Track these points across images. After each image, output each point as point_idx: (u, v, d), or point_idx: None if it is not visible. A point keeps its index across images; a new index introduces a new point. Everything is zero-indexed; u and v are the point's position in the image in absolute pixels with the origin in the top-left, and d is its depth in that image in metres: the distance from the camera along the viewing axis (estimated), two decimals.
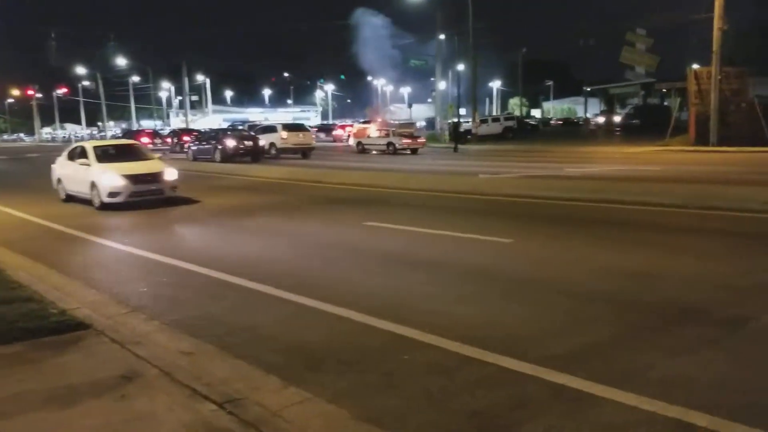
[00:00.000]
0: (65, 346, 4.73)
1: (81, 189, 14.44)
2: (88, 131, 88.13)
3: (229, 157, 28.40)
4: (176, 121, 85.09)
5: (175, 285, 7.04)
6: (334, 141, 51.32)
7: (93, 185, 13.82)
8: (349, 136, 44.37)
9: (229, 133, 32.46)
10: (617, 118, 51.84)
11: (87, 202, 14.16)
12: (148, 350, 4.63)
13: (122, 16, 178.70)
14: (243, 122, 51.47)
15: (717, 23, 24.72)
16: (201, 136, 35.69)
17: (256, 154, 29.77)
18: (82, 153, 14.78)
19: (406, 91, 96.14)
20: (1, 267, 7.37)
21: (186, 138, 41.51)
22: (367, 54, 74.89)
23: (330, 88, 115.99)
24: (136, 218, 12.49)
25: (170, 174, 14.31)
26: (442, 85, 54.40)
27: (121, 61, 69.80)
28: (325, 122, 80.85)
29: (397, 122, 50.63)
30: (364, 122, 52.58)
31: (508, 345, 4.79)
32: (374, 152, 34.85)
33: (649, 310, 5.59)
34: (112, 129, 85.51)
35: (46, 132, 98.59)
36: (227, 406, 3.70)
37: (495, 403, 3.85)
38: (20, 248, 9.16)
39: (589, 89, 54.04)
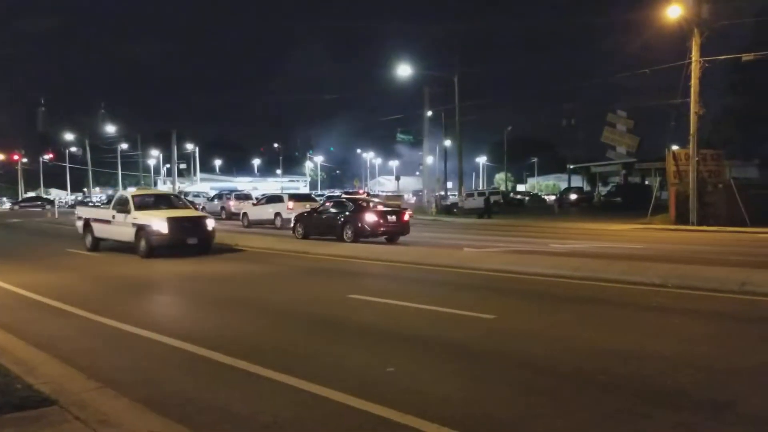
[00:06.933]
0: (26, 424, 4.53)
1: None
2: (73, 196, 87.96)
3: (367, 235, 21.23)
4: (163, 189, 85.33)
5: (145, 357, 6.86)
6: None
7: None
8: None
9: (364, 203, 23.35)
10: (573, 196, 57.23)
11: None
12: (113, 430, 4.44)
13: (113, 83, 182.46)
14: (231, 191, 51.67)
15: (693, 107, 25.68)
16: (321, 206, 24.83)
17: (398, 234, 21.89)
18: None
19: (394, 164, 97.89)
20: None
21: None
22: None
23: (319, 159, 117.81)
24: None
25: None
26: (429, 159, 55.46)
27: (110, 129, 70.61)
28: (314, 192, 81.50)
29: (384, 194, 51.15)
30: (351, 193, 53.06)
31: (489, 427, 4.68)
32: None
33: (630, 392, 5.51)
34: (98, 195, 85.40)
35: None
36: None
37: None
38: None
39: (572, 167, 55.39)
